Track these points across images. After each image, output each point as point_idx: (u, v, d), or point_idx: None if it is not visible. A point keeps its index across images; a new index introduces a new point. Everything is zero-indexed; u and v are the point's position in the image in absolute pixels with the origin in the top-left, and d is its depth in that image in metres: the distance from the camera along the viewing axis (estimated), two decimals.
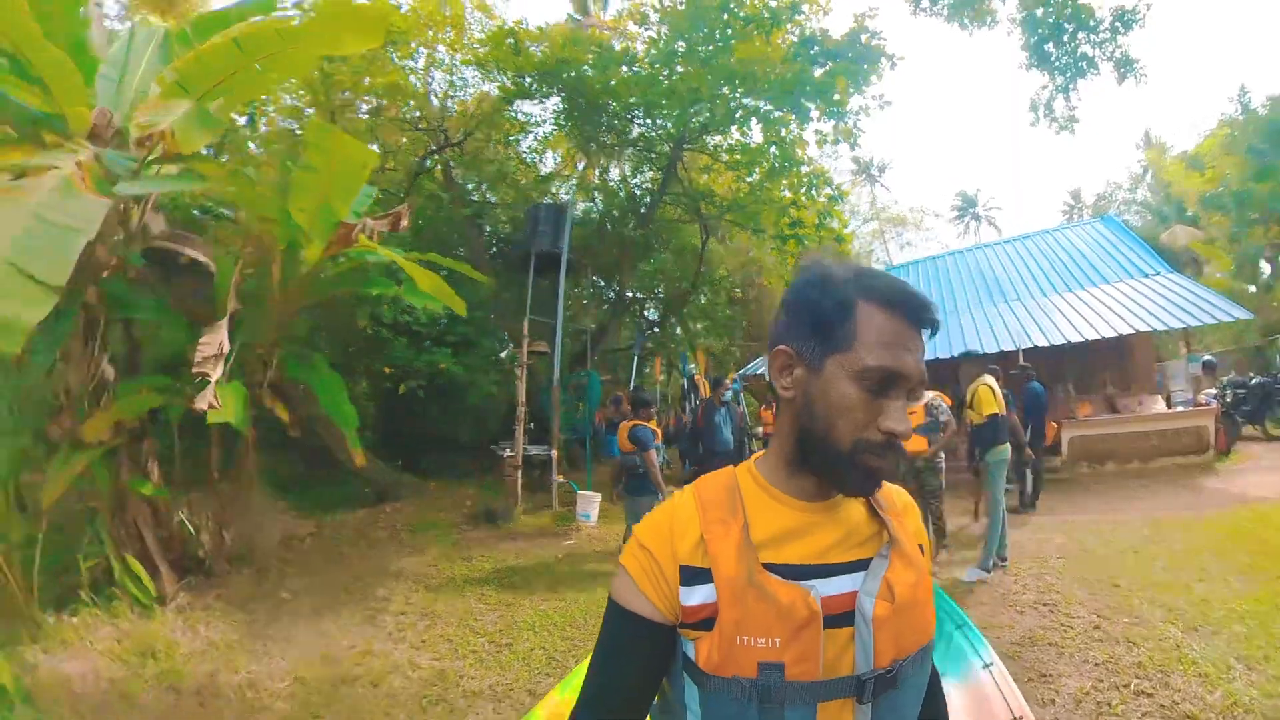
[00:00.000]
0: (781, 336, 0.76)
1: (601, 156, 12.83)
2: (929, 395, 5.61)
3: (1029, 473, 7.14)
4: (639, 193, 12.89)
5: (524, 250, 9.63)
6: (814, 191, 10.88)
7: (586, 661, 0.79)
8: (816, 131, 10.63)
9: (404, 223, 5.40)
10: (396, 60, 9.77)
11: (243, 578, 5.04)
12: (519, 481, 8.07)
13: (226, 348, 4.30)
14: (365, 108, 10.43)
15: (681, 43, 9.54)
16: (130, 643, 3.65)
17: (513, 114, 11.11)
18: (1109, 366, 10.18)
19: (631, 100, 10.00)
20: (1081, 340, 9.16)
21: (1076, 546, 5.30)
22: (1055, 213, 37.05)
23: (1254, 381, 9.90)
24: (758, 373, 12.41)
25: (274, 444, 7.21)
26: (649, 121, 10.86)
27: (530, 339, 8.93)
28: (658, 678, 0.74)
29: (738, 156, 10.99)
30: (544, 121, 11.87)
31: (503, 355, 11.18)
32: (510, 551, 6.35)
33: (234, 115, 7.59)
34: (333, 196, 4.38)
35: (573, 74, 9.77)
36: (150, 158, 4.13)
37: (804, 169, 10.64)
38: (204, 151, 4.92)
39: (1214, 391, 9.84)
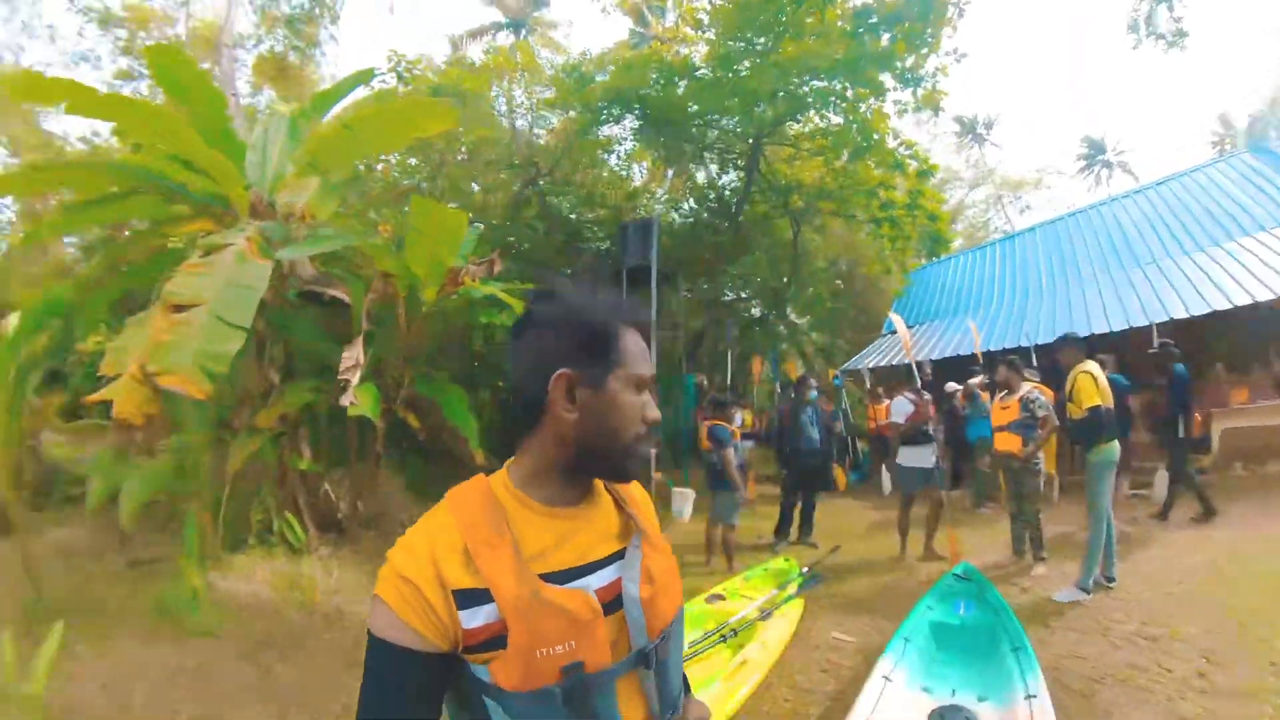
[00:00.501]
0: (557, 362, 0.80)
1: (685, 163, 13.15)
2: (1025, 388, 5.03)
3: (1169, 475, 6.17)
4: (727, 194, 13.05)
5: (617, 267, 10.32)
6: (901, 168, 10.46)
7: None
8: (896, 102, 10.10)
9: (497, 268, 6.44)
10: (481, 107, 10.81)
11: (370, 539, 6.17)
12: None
13: (362, 360, 5.37)
14: (460, 156, 11.64)
15: (739, 42, 9.56)
16: (283, 577, 4.84)
17: (594, 136, 11.65)
18: (1273, 339, 8.01)
19: (699, 108, 10.24)
20: (1233, 308, 7.36)
21: (1207, 569, 4.47)
22: (1203, 145, 28.83)
23: None
24: (859, 368, 12.07)
25: (407, 449, 8.51)
26: (723, 123, 11.00)
27: None
28: (434, 706, 0.74)
29: (820, 141, 10.82)
30: (625, 139, 12.40)
31: None
32: None
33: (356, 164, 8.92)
34: (439, 251, 5.45)
35: (640, 93, 10.21)
36: (295, 225, 5.46)
37: (890, 143, 10.26)
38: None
39: None
